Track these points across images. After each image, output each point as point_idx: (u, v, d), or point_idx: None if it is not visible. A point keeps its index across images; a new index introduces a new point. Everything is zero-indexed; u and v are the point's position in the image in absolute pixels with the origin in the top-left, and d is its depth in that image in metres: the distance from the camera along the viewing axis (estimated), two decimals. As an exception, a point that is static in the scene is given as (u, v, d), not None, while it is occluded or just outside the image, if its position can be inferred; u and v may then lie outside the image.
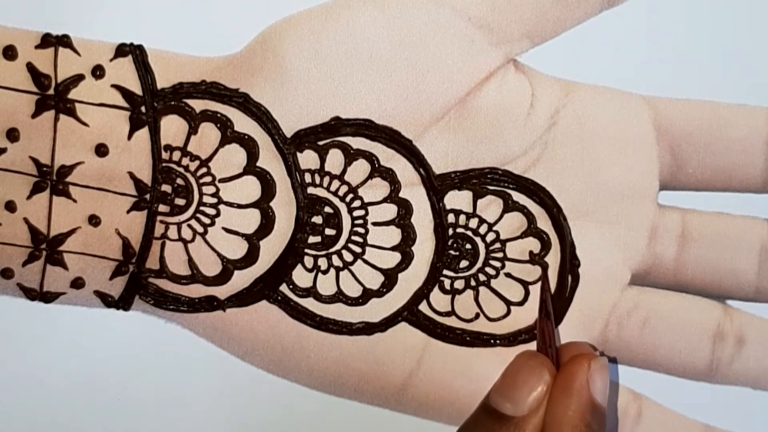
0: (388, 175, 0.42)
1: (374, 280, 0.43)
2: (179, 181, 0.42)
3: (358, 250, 0.43)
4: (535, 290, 0.43)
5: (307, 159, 0.42)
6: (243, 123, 0.42)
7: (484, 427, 0.38)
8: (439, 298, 0.43)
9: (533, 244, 0.43)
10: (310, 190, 0.42)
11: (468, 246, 0.43)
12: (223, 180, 0.42)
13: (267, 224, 0.42)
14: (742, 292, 0.43)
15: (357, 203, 0.43)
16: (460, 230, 0.43)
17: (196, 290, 0.42)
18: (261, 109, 0.41)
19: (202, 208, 0.42)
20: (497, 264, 0.43)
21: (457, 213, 0.43)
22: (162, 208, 0.42)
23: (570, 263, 0.43)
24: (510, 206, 0.43)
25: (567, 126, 0.42)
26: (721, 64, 0.42)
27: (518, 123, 0.42)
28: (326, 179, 0.42)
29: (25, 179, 0.41)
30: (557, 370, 0.38)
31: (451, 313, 0.43)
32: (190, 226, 0.42)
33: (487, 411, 0.38)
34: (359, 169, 0.42)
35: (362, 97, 0.41)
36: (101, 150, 0.41)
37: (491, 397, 0.38)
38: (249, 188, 0.42)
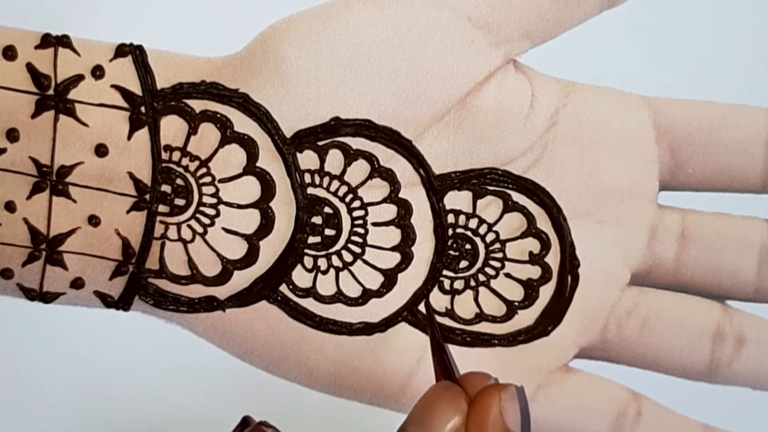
0: (388, 175, 0.42)
1: (374, 281, 0.43)
2: (179, 181, 0.42)
3: (357, 250, 0.43)
4: (543, 290, 0.43)
5: (307, 159, 0.42)
6: (243, 123, 0.42)
7: None
8: (438, 299, 0.43)
9: (533, 245, 0.43)
10: (310, 190, 0.42)
11: (468, 246, 0.43)
12: (222, 180, 0.42)
13: (267, 224, 0.42)
14: (741, 292, 0.43)
15: (357, 203, 0.43)
16: (459, 230, 0.43)
17: (196, 290, 0.42)
18: (261, 109, 0.41)
19: (201, 208, 0.42)
20: (497, 264, 0.43)
21: (457, 213, 0.43)
22: (162, 208, 0.42)
23: (570, 263, 0.43)
24: (510, 206, 0.43)
25: (567, 126, 0.42)
26: (721, 64, 0.42)
27: (518, 123, 0.42)
28: (326, 179, 0.42)
29: (24, 179, 0.41)
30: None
31: (450, 312, 0.43)
32: (189, 226, 0.42)
33: None
34: (359, 169, 0.42)
35: (362, 97, 0.41)
36: (101, 150, 0.41)
37: (407, 428, 0.37)
38: (249, 188, 0.42)
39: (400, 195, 0.43)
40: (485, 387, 0.38)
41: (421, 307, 0.43)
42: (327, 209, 0.43)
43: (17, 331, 0.44)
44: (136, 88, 0.41)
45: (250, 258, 0.42)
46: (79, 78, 0.41)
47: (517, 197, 0.43)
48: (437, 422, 0.37)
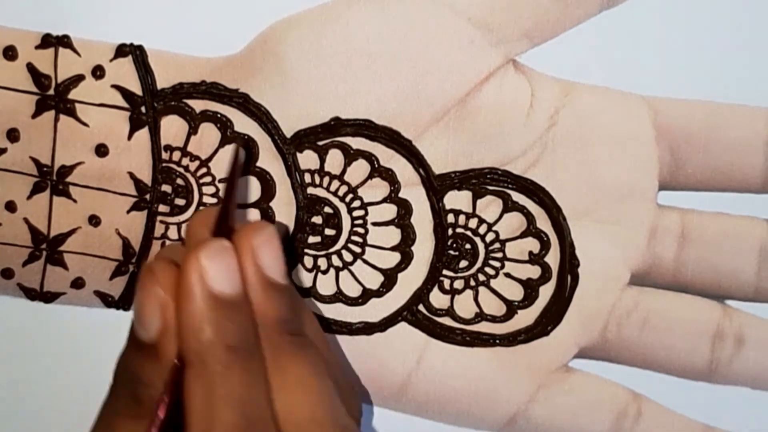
0: (388, 175, 0.42)
1: (374, 280, 0.43)
2: (179, 181, 0.42)
3: (357, 250, 0.43)
4: (542, 290, 0.43)
5: (307, 159, 0.42)
6: (243, 123, 0.42)
7: (131, 357, 0.35)
8: (438, 298, 0.43)
9: (533, 244, 0.43)
10: (310, 190, 0.42)
11: (467, 246, 0.43)
12: (223, 180, 0.42)
13: (267, 224, 0.42)
14: (741, 292, 0.43)
15: (357, 203, 0.43)
16: (459, 230, 0.43)
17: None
18: (261, 109, 0.41)
19: (202, 208, 0.42)
20: (497, 264, 0.43)
21: (457, 213, 0.43)
22: (162, 208, 0.42)
23: (570, 263, 0.43)
24: (509, 206, 0.43)
25: (566, 126, 0.42)
26: (721, 64, 0.42)
27: (518, 123, 0.42)
28: (326, 179, 0.42)
29: (25, 179, 0.41)
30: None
31: (450, 312, 0.43)
32: (190, 226, 0.42)
33: (132, 342, 0.35)
34: (359, 169, 0.42)
35: (362, 97, 0.41)
36: (101, 150, 0.41)
37: (134, 327, 0.35)
38: (249, 188, 0.42)
39: (400, 195, 0.43)
40: (192, 249, 0.34)
41: (433, 304, 0.43)
42: (327, 209, 0.43)
43: (17, 331, 0.44)
44: (136, 88, 0.41)
45: (250, 258, 0.42)
46: (80, 78, 0.41)
47: (517, 197, 0.43)
48: (144, 315, 0.35)
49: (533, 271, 0.43)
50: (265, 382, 0.34)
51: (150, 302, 0.34)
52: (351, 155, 0.42)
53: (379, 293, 0.43)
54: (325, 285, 0.43)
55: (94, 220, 0.42)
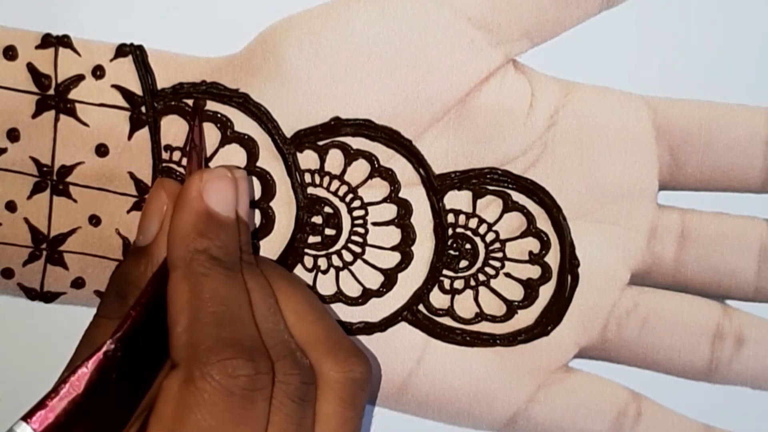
0: (388, 175, 0.42)
1: (374, 280, 0.43)
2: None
3: (357, 250, 0.43)
4: (542, 290, 0.43)
5: (307, 159, 0.42)
6: (243, 123, 0.42)
7: (125, 263, 0.39)
8: (438, 298, 0.43)
9: (533, 244, 0.43)
10: (310, 190, 0.42)
11: (467, 246, 0.43)
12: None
13: (267, 224, 0.42)
14: (741, 292, 0.43)
15: (357, 203, 0.43)
16: (459, 230, 0.43)
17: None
18: (261, 109, 0.41)
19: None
20: (497, 264, 0.43)
21: (457, 213, 0.43)
22: (162, 208, 0.42)
23: (570, 263, 0.43)
24: (509, 206, 0.43)
25: (566, 126, 0.42)
26: (721, 64, 0.42)
27: (518, 123, 0.42)
28: (326, 179, 0.42)
29: (25, 179, 0.41)
30: None
31: (450, 312, 0.43)
32: (190, 226, 0.42)
33: (131, 250, 0.39)
34: (359, 169, 0.42)
35: (362, 97, 0.41)
36: (101, 150, 0.41)
37: (135, 238, 0.39)
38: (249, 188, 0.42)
39: (400, 195, 0.43)
40: (197, 171, 0.38)
41: (433, 304, 0.43)
42: (327, 209, 0.43)
43: (16, 331, 0.44)
44: (136, 88, 0.41)
45: (250, 258, 0.42)
46: (80, 78, 0.41)
47: (517, 197, 0.43)
48: (145, 220, 0.39)
49: (533, 271, 0.43)
50: (245, 291, 0.37)
51: (152, 207, 0.39)
52: (351, 155, 0.42)
53: (379, 293, 0.43)
54: (326, 285, 0.43)
55: (94, 220, 0.42)
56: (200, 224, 0.37)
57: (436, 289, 0.43)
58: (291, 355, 0.36)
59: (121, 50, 0.41)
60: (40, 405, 0.34)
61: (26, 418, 0.34)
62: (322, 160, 0.42)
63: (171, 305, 0.36)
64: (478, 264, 0.43)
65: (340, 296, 0.43)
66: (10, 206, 0.42)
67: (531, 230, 0.43)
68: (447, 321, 0.43)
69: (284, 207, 0.42)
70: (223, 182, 0.37)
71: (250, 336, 0.35)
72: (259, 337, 0.36)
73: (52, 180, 0.41)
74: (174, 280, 0.36)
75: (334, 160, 0.42)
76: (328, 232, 0.43)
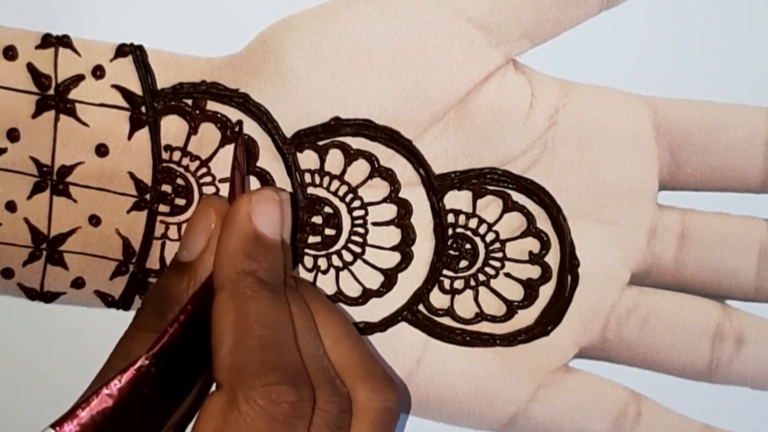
0: (388, 175, 0.42)
1: (374, 280, 0.43)
2: (179, 181, 0.42)
3: (357, 250, 0.43)
4: (542, 290, 0.43)
5: (307, 159, 0.42)
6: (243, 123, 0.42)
7: (166, 276, 0.39)
8: (438, 298, 0.43)
9: (533, 244, 0.43)
10: (310, 190, 0.42)
11: (467, 246, 0.43)
12: (223, 180, 0.42)
13: (267, 224, 0.42)
14: (741, 292, 0.43)
15: (357, 203, 0.43)
16: (459, 230, 0.43)
17: (196, 290, 0.42)
18: (261, 109, 0.41)
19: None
20: (497, 264, 0.43)
21: (457, 213, 0.43)
22: (162, 208, 0.42)
23: (570, 263, 0.43)
24: (509, 206, 0.43)
25: (566, 126, 0.42)
26: (721, 64, 0.42)
27: (518, 123, 0.42)
28: (326, 179, 0.42)
29: (25, 179, 0.42)
30: None
31: (451, 312, 0.43)
32: (190, 226, 0.42)
33: (173, 264, 0.39)
34: (359, 169, 0.42)
35: (362, 97, 0.41)
36: (101, 150, 0.41)
37: (177, 252, 0.39)
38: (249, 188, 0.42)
39: (400, 195, 0.43)
40: (246, 192, 0.38)
41: (433, 304, 0.43)
42: (327, 209, 0.43)
43: (16, 331, 0.44)
44: (136, 88, 0.41)
45: (250, 258, 0.42)
46: (80, 78, 0.41)
47: (517, 197, 0.43)
48: (191, 237, 0.38)
49: (533, 271, 0.43)
50: (289, 314, 0.37)
51: (200, 224, 0.38)
52: (351, 155, 0.42)
53: (379, 293, 0.43)
54: (325, 285, 0.43)
55: (94, 220, 0.42)
56: (248, 246, 0.37)
57: (436, 289, 0.43)
58: (331, 383, 0.36)
59: (121, 50, 0.41)
60: (70, 414, 0.34)
61: (55, 425, 0.34)
62: (322, 160, 0.42)
63: (216, 326, 0.35)
64: (478, 264, 0.43)
65: (340, 296, 0.43)
66: (10, 206, 0.42)
67: (531, 230, 0.43)
68: (447, 321, 0.43)
69: (284, 207, 0.42)
70: (272, 205, 0.37)
71: (293, 361, 0.35)
72: (302, 363, 0.36)
73: (52, 180, 0.41)
74: (220, 300, 0.36)
75: (334, 160, 0.42)
76: (328, 232, 0.43)
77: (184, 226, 0.42)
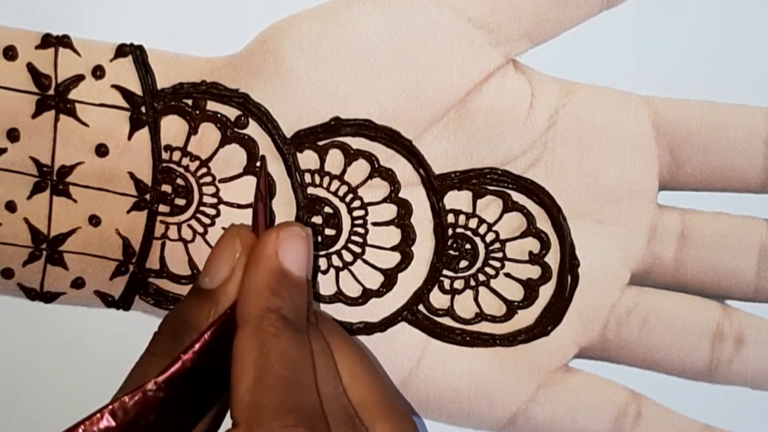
0: (388, 175, 0.42)
1: (374, 280, 0.43)
2: (179, 181, 0.42)
3: (357, 250, 0.43)
4: (542, 290, 0.43)
5: (307, 159, 0.42)
6: (243, 123, 0.42)
7: (186, 303, 0.39)
8: (438, 298, 0.43)
9: (533, 244, 0.43)
10: (310, 190, 0.42)
11: (467, 246, 0.43)
12: (223, 180, 0.42)
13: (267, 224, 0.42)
14: (741, 292, 0.43)
15: (357, 203, 0.43)
16: (459, 230, 0.43)
17: (196, 290, 0.42)
18: (261, 109, 0.41)
19: (202, 208, 0.42)
20: (497, 264, 0.43)
21: (457, 213, 0.43)
22: (162, 208, 0.42)
23: (570, 263, 0.43)
24: (509, 206, 0.43)
25: (566, 126, 0.42)
26: (721, 64, 0.42)
27: (518, 123, 0.42)
28: (326, 179, 0.42)
29: (25, 179, 0.42)
30: None
31: (450, 312, 0.43)
32: (190, 226, 0.42)
33: (193, 290, 0.39)
34: (359, 169, 0.42)
35: (362, 97, 0.41)
36: (101, 150, 0.41)
37: (198, 278, 0.39)
38: (249, 188, 0.42)
39: (400, 195, 0.43)
40: (272, 227, 0.38)
41: (433, 304, 0.43)
42: (327, 209, 0.43)
43: (16, 331, 0.44)
44: (136, 88, 0.41)
45: (250, 258, 0.42)
46: (80, 78, 0.41)
47: (517, 197, 0.43)
48: (214, 264, 0.38)
49: (533, 271, 0.43)
50: (310, 354, 0.36)
51: (225, 253, 0.38)
52: (351, 155, 0.42)
53: (379, 293, 0.43)
54: (325, 285, 0.43)
55: (94, 220, 0.42)
56: (274, 282, 0.36)
57: (436, 289, 0.43)
58: (350, 422, 0.36)
59: (121, 50, 0.41)
60: (72, 431, 0.33)
61: None
62: (322, 160, 0.42)
63: (236, 362, 0.35)
64: (478, 264, 0.43)
65: (340, 296, 0.43)
66: (10, 206, 0.42)
67: (531, 230, 0.43)
68: (447, 321, 0.43)
69: (284, 207, 0.42)
70: (299, 242, 0.37)
71: (312, 402, 0.35)
72: (320, 405, 0.35)
73: (52, 180, 0.41)
74: (243, 336, 0.35)
75: (334, 160, 0.42)
76: (328, 232, 0.43)
77: (184, 225, 0.42)
